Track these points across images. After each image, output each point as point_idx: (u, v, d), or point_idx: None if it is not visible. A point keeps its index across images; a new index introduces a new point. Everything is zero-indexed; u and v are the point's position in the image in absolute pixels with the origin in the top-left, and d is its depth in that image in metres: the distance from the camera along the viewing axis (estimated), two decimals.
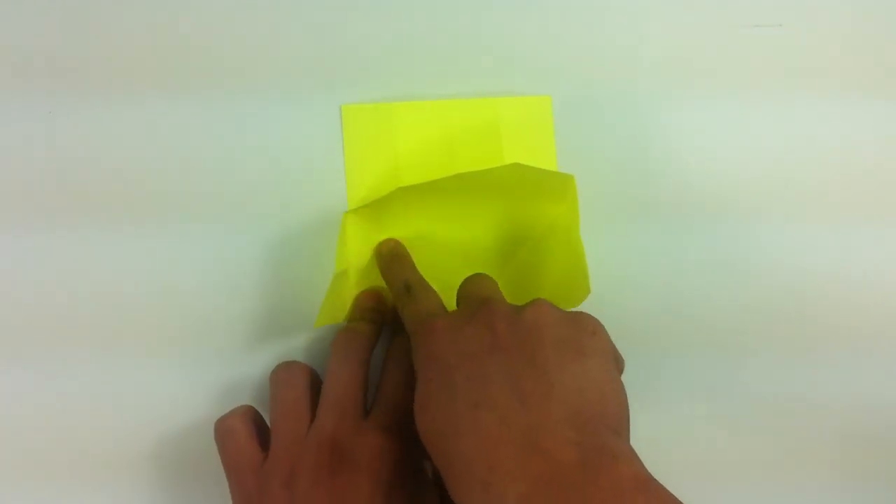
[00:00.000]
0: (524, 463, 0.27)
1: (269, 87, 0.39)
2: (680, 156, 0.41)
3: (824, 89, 0.41)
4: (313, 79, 0.39)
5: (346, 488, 0.31)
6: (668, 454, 0.38)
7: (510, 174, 0.35)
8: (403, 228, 0.38)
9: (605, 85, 0.41)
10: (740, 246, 0.40)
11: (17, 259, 0.38)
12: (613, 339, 0.32)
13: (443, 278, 0.37)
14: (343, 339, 0.36)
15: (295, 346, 0.38)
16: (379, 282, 0.38)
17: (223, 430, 0.35)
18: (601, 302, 0.36)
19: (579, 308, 0.33)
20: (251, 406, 0.36)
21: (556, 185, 0.36)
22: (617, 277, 0.40)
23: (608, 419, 0.28)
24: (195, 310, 0.38)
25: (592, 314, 0.32)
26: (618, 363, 0.32)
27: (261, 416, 0.36)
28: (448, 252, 0.39)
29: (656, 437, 0.39)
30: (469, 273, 0.35)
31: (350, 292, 0.38)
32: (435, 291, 0.35)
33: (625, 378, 0.31)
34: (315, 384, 0.35)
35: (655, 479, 0.27)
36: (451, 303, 0.35)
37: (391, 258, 0.37)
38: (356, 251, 0.37)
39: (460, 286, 0.34)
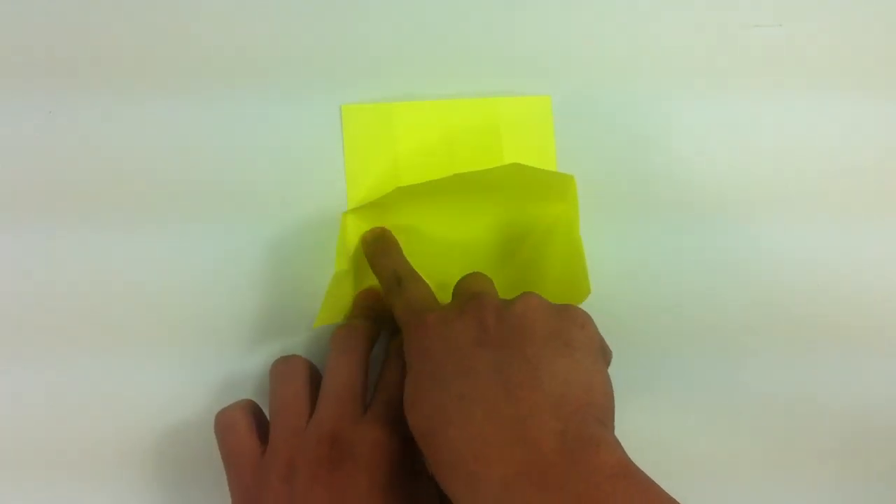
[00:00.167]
0: (509, 451, 0.27)
1: (269, 86, 0.39)
2: (680, 155, 0.41)
3: (824, 89, 0.41)
4: (313, 79, 0.39)
5: (345, 482, 0.31)
6: (668, 454, 0.38)
7: (510, 174, 0.35)
8: (403, 228, 0.38)
9: (605, 85, 0.41)
10: (740, 245, 0.40)
11: (17, 258, 0.38)
12: (614, 338, 0.32)
13: (442, 278, 0.37)
14: (342, 335, 0.36)
15: (295, 344, 0.38)
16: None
17: (223, 422, 0.35)
18: (601, 301, 0.36)
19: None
20: (251, 399, 0.36)
21: (556, 186, 0.36)
22: (617, 277, 0.40)
23: (594, 409, 0.29)
24: (195, 309, 0.38)
25: (592, 314, 0.32)
26: (605, 355, 0.32)
27: (261, 410, 0.36)
28: (447, 251, 0.39)
29: (656, 436, 0.39)
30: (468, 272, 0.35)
31: (350, 292, 0.38)
32: (426, 283, 0.35)
33: (624, 377, 0.31)
34: (314, 378, 0.35)
35: (637, 467, 0.27)
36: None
37: (376, 244, 0.37)
38: (356, 251, 0.37)
39: (456, 284, 0.34)
